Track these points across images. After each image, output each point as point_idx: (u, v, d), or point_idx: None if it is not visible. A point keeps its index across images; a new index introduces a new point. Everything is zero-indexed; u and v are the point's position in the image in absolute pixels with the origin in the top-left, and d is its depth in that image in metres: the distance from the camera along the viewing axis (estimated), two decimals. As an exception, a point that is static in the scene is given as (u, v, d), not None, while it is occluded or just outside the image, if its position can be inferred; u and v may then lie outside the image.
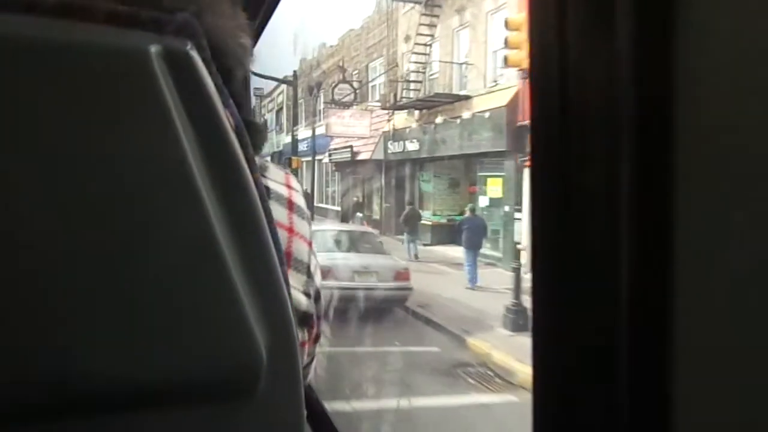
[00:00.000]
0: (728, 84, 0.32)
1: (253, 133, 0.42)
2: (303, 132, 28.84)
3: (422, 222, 14.72)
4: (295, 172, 21.35)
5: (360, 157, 18.44)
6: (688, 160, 0.32)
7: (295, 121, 20.89)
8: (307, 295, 0.50)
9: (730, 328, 0.33)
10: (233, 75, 0.43)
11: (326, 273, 8.33)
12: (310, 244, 0.51)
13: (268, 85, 32.43)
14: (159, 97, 0.32)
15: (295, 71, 21.13)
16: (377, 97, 18.72)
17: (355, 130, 17.92)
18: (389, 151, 16.97)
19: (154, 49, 0.32)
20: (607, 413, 0.36)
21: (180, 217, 0.32)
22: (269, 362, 0.34)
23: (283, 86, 32.61)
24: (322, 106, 22.43)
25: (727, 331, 0.33)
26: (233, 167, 0.34)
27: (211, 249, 0.32)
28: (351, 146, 18.77)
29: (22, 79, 0.30)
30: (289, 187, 0.51)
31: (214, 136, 0.33)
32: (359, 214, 17.13)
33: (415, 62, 15.23)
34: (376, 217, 18.91)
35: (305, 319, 0.49)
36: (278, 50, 16.81)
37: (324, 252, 8.89)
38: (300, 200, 0.51)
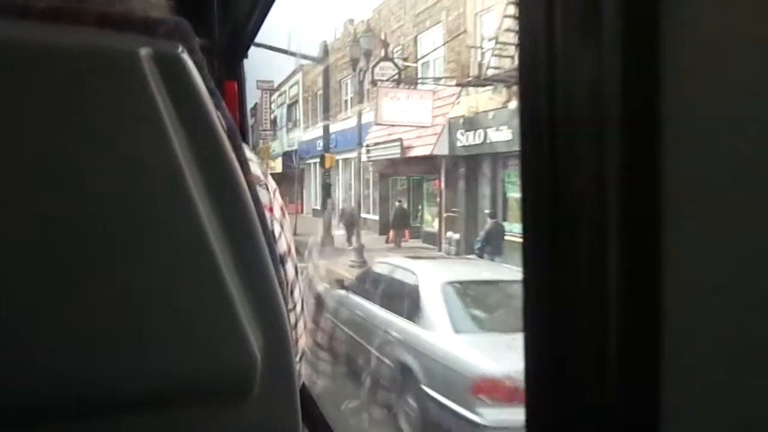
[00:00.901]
0: (715, 83, 0.32)
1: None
2: (320, 127, 24.59)
3: (508, 238, 10.50)
4: (328, 174, 17.27)
5: (414, 153, 14.13)
6: (675, 160, 0.33)
7: (326, 108, 16.59)
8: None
9: (719, 326, 0.33)
10: None
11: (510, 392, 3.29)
12: (271, 210, 0.50)
13: (279, 77, 28.46)
14: (150, 99, 0.32)
15: (325, 45, 16.84)
16: (431, 76, 14.41)
17: (414, 116, 13.54)
18: (459, 144, 12.65)
19: (144, 51, 0.32)
20: (598, 413, 0.36)
21: (172, 219, 0.32)
22: (264, 363, 0.34)
23: (298, 76, 28.51)
24: (348, 96, 18.24)
25: (715, 329, 0.33)
26: (225, 169, 0.34)
27: (203, 251, 0.32)
28: (400, 139, 14.48)
29: (14, 82, 0.30)
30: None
31: (205, 138, 0.33)
32: (453, 235, 12.69)
33: (511, 16, 10.90)
34: (430, 229, 14.69)
35: None
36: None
37: (468, 334, 3.97)
38: (257, 169, 0.50)
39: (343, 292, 5.66)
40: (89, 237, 0.31)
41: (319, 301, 5.81)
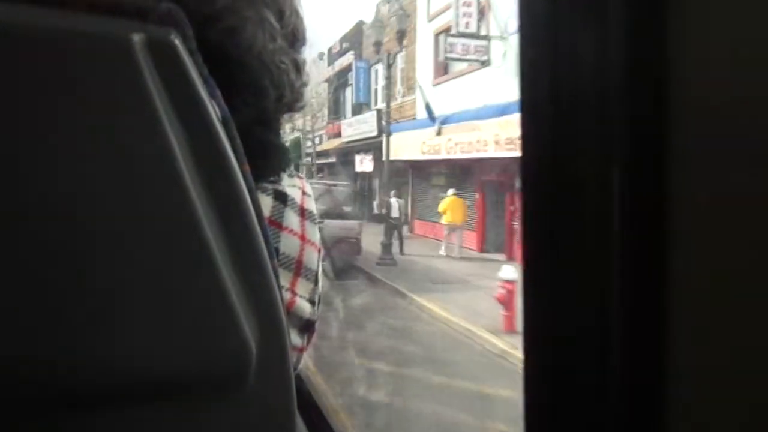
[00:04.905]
0: (724, 77, 0.31)
1: (279, 155, 0.46)
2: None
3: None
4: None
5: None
6: (682, 153, 0.33)
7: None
8: (312, 302, 0.49)
9: (725, 327, 0.32)
10: (266, 92, 0.44)
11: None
12: (319, 250, 0.51)
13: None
14: (142, 86, 0.32)
15: None
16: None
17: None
18: None
19: (137, 37, 0.32)
20: (600, 415, 0.36)
21: (165, 208, 0.32)
22: (259, 355, 0.34)
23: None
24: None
25: (721, 329, 0.32)
26: (220, 158, 0.34)
27: (197, 241, 0.33)
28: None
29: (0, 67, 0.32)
30: (303, 192, 0.49)
31: (199, 127, 0.33)
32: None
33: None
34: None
35: (308, 327, 0.49)
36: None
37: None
38: (311, 205, 0.50)
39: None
40: (79, 226, 0.31)
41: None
